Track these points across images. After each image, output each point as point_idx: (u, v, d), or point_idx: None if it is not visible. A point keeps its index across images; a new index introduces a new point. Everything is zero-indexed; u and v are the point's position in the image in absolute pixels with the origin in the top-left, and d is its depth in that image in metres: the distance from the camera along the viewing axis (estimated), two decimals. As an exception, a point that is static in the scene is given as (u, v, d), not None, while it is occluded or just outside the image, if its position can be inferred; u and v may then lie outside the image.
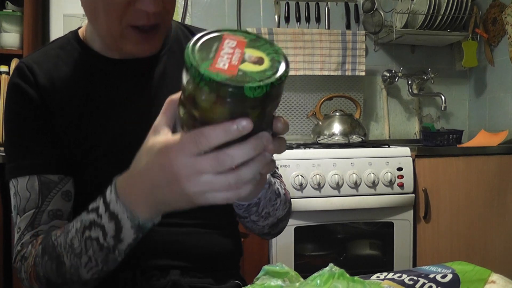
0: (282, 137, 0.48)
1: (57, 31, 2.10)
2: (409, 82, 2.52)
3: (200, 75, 0.41)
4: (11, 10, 2.07)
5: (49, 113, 0.74)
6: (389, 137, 2.55)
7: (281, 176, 0.86)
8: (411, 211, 1.88)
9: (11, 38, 2.04)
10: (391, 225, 1.88)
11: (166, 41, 0.81)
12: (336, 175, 1.80)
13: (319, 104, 2.24)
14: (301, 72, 2.30)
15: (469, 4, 2.31)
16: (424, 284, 0.47)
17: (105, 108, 0.76)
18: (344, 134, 2.11)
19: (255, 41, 0.46)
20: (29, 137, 0.74)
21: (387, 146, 2.05)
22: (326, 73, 2.32)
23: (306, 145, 2.08)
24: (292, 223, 1.77)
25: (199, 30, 0.87)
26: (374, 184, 1.83)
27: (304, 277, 0.44)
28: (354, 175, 1.81)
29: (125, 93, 0.77)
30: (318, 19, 2.40)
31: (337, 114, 2.17)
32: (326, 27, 2.40)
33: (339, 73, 2.34)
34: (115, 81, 0.78)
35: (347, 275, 0.42)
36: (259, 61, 0.43)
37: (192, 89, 0.43)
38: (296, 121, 2.45)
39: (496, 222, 1.97)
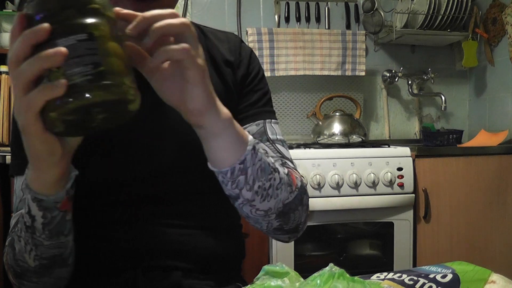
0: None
1: (57, 31, 2.10)
2: (409, 82, 2.52)
3: None
4: (11, 10, 2.07)
5: None
6: (389, 137, 2.55)
7: (294, 169, 0.81)
8: (411, 211, 1.89)
9: (11, 38, 2.04)
10: (391, 225, 1.88)
11: None
12: (336, 175, 1.80)
13: (319, 104, 2.24)
14: (301, 72, 2.30)
15: (469, 4, 2.31)
16: (424, 284, 0.47)
17: None
18: (344, 134, 2.11)
19: None
20: None
21: (387, 146, 2.05)
22: (326, 73, 2.32)
23: (306, 145, 2.08)
24: (292, 223, 1.77)
25: (212, 31, 0.87)
26: (374, 184, 1.83)
27: (304, 277, 0.44)
28: (354, 175, 1.81)
29: None
30: (318, 19, 2.40)
31: (337, 114, 2.17)
32: (326, 27, 2.40)
33: (339, 73, 2.34)
34: None
35: (347, 275, 0.42)
36: None
37: None
38: (296, 121, 2.45)
39: (496, 222, 1.97)
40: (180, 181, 0.73)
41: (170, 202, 0.75)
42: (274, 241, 1.78)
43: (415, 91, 2.54)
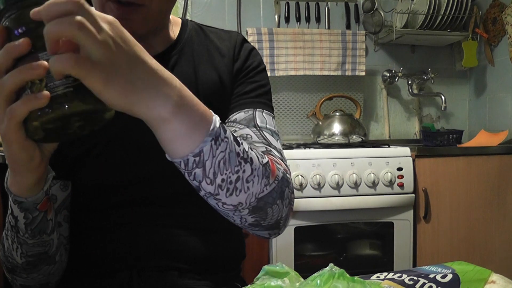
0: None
1: (57, 31, 2.10)
2: (409, 82, 2.52)
3: None
4: None
5: None
6: (389, 137, 2.55)
7: (282, 160, 0.74)
8: (411, 211, 1.89)
9: (11, 38, 2.04)
10: (391, 225, 1.88)
11: (178, 41, 0.81)
12: (336, 175, 1.80)
13: (319, 104, 2.24)
14: (301, 72, 2.30)
15: (469, 4, 2.31)
16: (424, 284, 0.47)
17: None
18: (344, 134, 2.11)
19: None
20: None
21: (387, 146, 2.05)
22: (326, 73, 2.32)
23: (306, 145, 2.08)
24: (292, 223, 1.77)
25: (214, 31, 0.87)
26: (374, 184, 1.83)
27: (304, 277, 0.44)
28: (354, 175, 1.81)
29: None
30: (318, 19, 2.40)
31: (337, 114, 2.17)
32: (326, 27, 2.40)
33: (339, 73, 2.34)
34: None
35: (347, 275, 0.42)
36: None
37: None
38: (296, 121, 2.45)
39: (496, 222, 1.97)
40: (177, 182, 0.73)
41: (167, 203, 0.75)
42: (274, 241, 1.78)
43: (415, 91, 2.55)
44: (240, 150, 0.59)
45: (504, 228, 1.97)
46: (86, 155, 0.74)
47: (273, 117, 0.81)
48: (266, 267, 0.45)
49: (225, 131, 0.57)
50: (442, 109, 2.41)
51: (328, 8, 2.40)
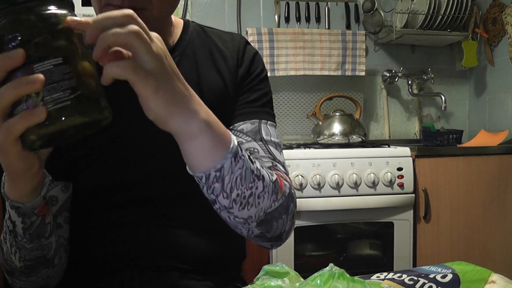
0: None
1: (57, 31, 2.10)
2: (409, 82, 2.52)
3: None
4: None
5: None
6: (389, 137, 2.55)
7: (286, 174, 0.78)
8: (411, 211, 1.89)
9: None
10: (391, 225, 1.88)
11: (180, 42, 0.81)
12: (336, 175, 1.80)
13: (319, 104, 2.24)
14: (301, 72, 2.30)
15: (469, 4, 2.31)
16: (424, 284, 0.47)
17: None
18: (344, 134, 2.11)
19: None
20: None
21: (387, 146, 2.05)
22: (326, 73, 2.32)
23: (306, 145, 2.08)
24: (292, 223, 1.77)
25: (215, 32, 0.87)
26: (374, 184, 1.83)
27: (304, 277, 0.44)
28: (354, 175, 1.81)
29: (132, 94, 0.76)
30: (318, 19, 2.40)
31: (337, 114, 2.17)
32: (326, 27, 2.40)
33: (339, 73, 2.34)
34: (123, 81, 0.77)
35: (347, 275, 0.42)
36: None
37: None
38: (296, 121, 2.45)
39: (496, 222, 1.97)
40: (178, 183, 0.72)
41: (167, 204, 0.75)
42: (274, 241, 1.78)
43: (415, 91, 2.55)
44: (254, 168, 0.63)
45: (504, 228, 1.97)
46: (86, 156, 0.74)
47: (276, 126, 0.83)
48: (266, 267, 0.45)
49: (241, 149, 0.61)
50: (442, 109, 2.41)
51: (328, 8, 2.40)
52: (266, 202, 0.65)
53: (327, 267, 0.42)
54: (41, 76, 0.45)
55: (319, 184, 1.78)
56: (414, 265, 1.89)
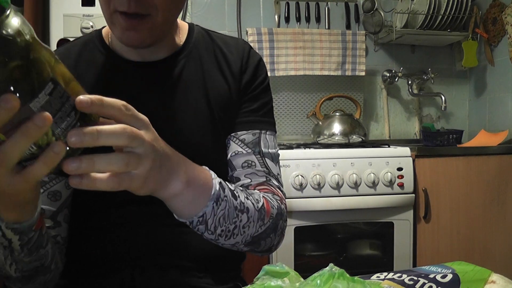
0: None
1: (57, 31, 2.10)
2: (409, 82, 2.52)
3: None
4: (11, 10, 2.06)
5: None
6: (389, 137, 2.55)
7: (279, 187, 0.80)
8: (411, 211, 1.88)
9: (11, 38, 2.04)
10: (391, 225, 1.88)
11: (186, 45, 0.82)
12: (336, 175, 1.79)
13: (319, 104, 2.24)
14: (301, 72, 2.30)
15: (469, 4, 2.31)
16: (424, 284, 0.47)
17: None
18: (344, 134, 2.11)
19: None
20: None
21: (387, 146, 2.05)
22: (326, 73, 2.32)
23: (306, 145, 2.08)
24: (292, 223, 1.77)
25: (220, 36, 0.87)
26: (374, 184, 1.83)
27: (304, 277, 0.44)
28: (354, 175, 1.81)
29: (137, 96, 0.75)
30: (318, 19, 2.40)
31: (337, 114, 2.17)
32: (326, 27, 2.40)
33: (339, 73, 2.34)
34: (129, 83, 0.78)
35: (347, 275, 0.42)
36: None
37: None
38: (296, 121, 2.45)
39: (496, 222, 1.97)
40: None
41: None
42: (274, 241, 1.78)
43: (415, 91, 2.54)
44: (237, 203, 0.66)
45: (504, 228, 1.97)
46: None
47: (275, 134, 0.85)
48: (266, 267, 0.45)
49: (223, 189, 0.64)
50: (442, 109, 2.41)
51: (328, 8, 2.40)
52: (252, 230, 0.69)
53: (327, 267, 0.42)
54: (47, 115, 0.41)
55: (319, 184, 1.78)
56: (414, 265, 1.89)
